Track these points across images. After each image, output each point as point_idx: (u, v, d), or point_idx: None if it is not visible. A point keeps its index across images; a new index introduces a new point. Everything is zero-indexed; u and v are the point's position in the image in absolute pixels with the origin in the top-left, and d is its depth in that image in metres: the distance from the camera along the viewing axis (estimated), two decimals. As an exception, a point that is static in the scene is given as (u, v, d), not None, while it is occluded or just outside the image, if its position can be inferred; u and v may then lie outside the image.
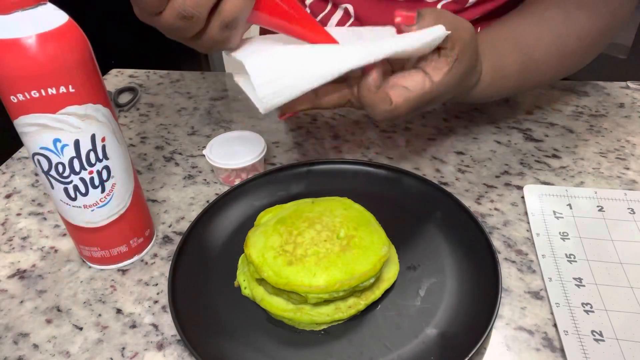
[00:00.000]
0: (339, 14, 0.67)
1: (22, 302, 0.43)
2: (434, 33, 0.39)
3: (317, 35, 0.41)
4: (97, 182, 0.39)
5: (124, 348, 0.38)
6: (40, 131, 0.36)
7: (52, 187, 0.39)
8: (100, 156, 0.39)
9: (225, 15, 0.36)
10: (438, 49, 0.41)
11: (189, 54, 2.06)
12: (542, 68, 0.54)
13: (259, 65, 0.37)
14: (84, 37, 0.35)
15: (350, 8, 0.66)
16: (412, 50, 0.39)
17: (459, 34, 0.41)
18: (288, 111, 0.43)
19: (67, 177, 0.38)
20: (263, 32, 0.66)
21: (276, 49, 0.39)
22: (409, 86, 0.41)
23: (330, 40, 0.41)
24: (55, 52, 0.33)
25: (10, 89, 0.34)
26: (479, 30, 0.61)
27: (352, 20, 0.66)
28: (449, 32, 0.40)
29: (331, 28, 0.44)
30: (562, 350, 0.36)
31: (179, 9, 0.35)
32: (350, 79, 0.44)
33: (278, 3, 0.38)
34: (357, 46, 0.39)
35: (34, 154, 0.37)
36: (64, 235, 0.49)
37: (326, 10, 0.68)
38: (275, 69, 0.37)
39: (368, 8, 0.65)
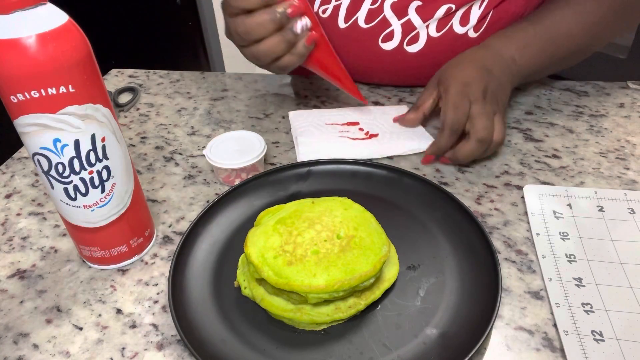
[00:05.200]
0: None
1: (22, 302, 0.43)
2: (421, 145, 0.58)
3: (348, 85, 0.63)
4: (97, 182, 0.39)
5: (124, 348, 0.38)
6: (40, 131, 0.36)
7: (52, 187, 0.39)
8: (100, 156, 0.39)
9: (299, 50, 0.55)
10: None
11: (189, 54, 2.06)
12: (567, 40, 0.60)
13: (304, 141, 0.59)
14: (84, 37, 0.35)
15: None
16: (402, 153, 0.58)
17: (440, 73, 0.58)
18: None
19: (67, 177, 0.38)
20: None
21: (317, 135, 0.61)
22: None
23: (356, 91, 0.64)
24: (55, 52, 0.33)
25: (10, 89, 0.34)
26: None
27: None
28: (433, 139, 0.57)
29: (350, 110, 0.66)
30: (562, 350, 0.36)
31: (286, 38, 0.53)
32: None
33: (326, 63, 0.60)
34: (364, 148, 0.58)
35: (34, 154, 0.37)
36: (64, 235, 0.49)
37: None
38: (313, 145, 0.59)
39: None
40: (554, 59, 0.61)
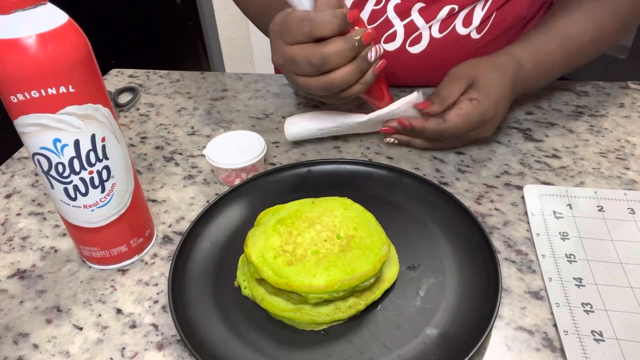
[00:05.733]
0: None
1: (22, 302, 0.43)
2: (411, 97, 0.55)
3: (385, 102, 0.58)
4: (97, 182, 0.39)
5: (124, 348, 0.38)
6: (40, 131, 0.36)
7: (52, 187, 0.39)
8: (100, 156, 0.39)
9: (368, 79, 0.51)
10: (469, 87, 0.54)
11: (189, 54, 2.06)
12: (581, 49, 0.60)
13: (293, 121, 0.60)
14: (84, 37, 0.35)
15: None
16: (395, 113, 0.56)
17: (474, 71, 0.54)
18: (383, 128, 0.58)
19: (67, 177, 0.38)
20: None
21: (308, 116, 0.60)
22: (461, 106, 0.53)
23: (388, 98, 0.58)
24: (55, 52, 0.33)
25: (10, 89, 0.34)
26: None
27: None
28: (420, 92, 0.55)
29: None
30: (562, 350, 0.36)
31: (360, 68, 0.49)
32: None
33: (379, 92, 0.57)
34: (350, 115, 0.58)
35: (34, 154, 0.37)
36: (64, 235, 0.49)
37: None
38: (299, 124, 0.59)
39: None
40: (559, 75, 0.62)
